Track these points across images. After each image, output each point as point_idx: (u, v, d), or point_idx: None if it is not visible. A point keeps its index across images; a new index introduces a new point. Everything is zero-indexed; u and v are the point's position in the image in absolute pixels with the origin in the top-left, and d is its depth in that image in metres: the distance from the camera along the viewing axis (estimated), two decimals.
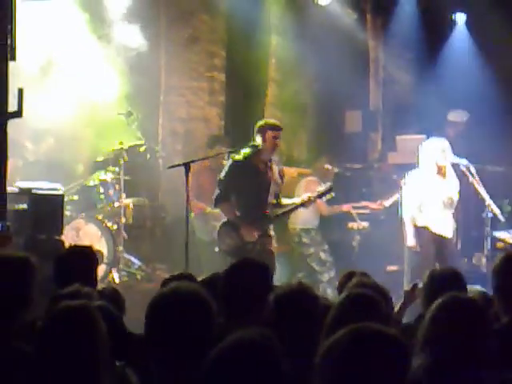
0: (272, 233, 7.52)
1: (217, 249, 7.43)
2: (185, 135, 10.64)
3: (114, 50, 9.76)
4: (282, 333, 3.21)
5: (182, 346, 2.62)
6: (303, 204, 7.53)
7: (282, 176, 7.58)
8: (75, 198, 8.87)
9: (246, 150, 7.38)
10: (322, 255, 8.89)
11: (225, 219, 7.42)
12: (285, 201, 7.62)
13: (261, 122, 7.48)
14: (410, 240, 7.74)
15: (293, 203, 7.61)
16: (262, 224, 7.36)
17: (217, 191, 7.39)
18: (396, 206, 8.31)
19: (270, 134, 7.30)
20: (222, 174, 7.40)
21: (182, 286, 2.81)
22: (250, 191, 7.28)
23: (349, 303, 3.40)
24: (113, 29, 9.66)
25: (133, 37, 9.66)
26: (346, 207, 9.15)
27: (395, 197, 8.62)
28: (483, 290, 4.71)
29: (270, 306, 3.33)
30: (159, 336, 2.67)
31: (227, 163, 7.46)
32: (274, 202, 7.52)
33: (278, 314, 3.29)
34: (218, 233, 7.39)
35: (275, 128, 7.41)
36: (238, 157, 7.36)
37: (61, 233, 7.17)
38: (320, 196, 7.68)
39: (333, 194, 7.78)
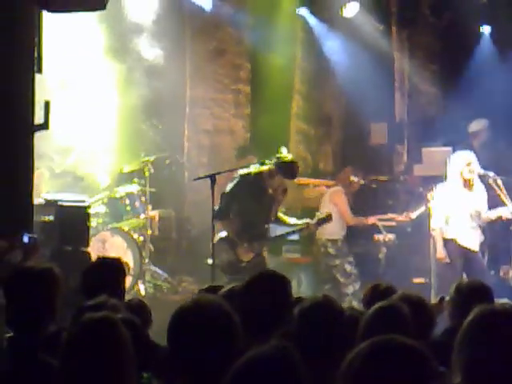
0: (265, 254, 7.55)
1: (209, 261, 7.36)
2: (210, 147, 10.67)
3: (140, 63, 9.82)
4: (307, 345, 3.21)
5: (204, 359, 2.60)
6: (302, 230, 7.62)
7: (284, 191, 7.58)
8: (101, 209, 8.92)
9: (258, 167, 7.39)
10: (348, 267, 8.85)
11: (223, 235, 7.40)
12: (283, 217, 7.65)
13: (279, 162, 7.43)
14: (440, 252, 7.64)
15: (293, 224, 7.64)
16: (260, 244, 7.38)
17: (218, 206, 7.38)
18: (422, 218, 8.26)
19: (280, 179, 7.33)
20: (227, 188, 7.42)
21: (204, 298, 2.79)
22: (252, 209, 7.30)
23: (376, 316, 3.38)
24: (138, 42, 9.71)
25: (158, 49, 9.71)
26: (371, 220, 9.11)
27: (421, 209, 8.57)
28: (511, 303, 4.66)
29: (295, 319, 3.31)
30: (181, 349, 2.64)
31: (235, 178, 7.48)
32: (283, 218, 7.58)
33: (303, 326, 3.28)
34: (215, 246, 7.35)
35: (288, 176, 7.40)
36: (247, 172, 7.38)
37: (87, 244, 7.21)
38: (319, 224, 7.80)
39: (331, 221, 7.87)
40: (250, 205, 7.28)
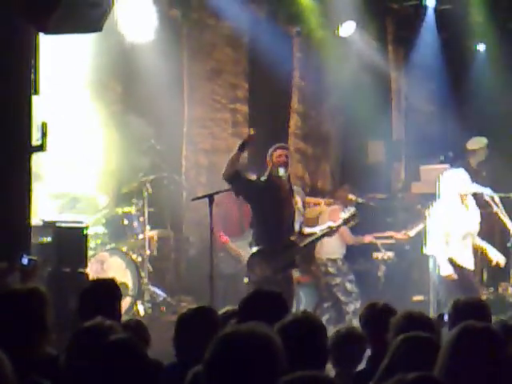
0: (297, 263, 7.50)
1: (246, 279, 7.35)
2: (208, 167, 10.67)
3: (137, 83, 9.85)
4: (287, 361, 3.20)
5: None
6: (327, 233, 7.53)
7: (304, 206, 7.58)
8: (100, 230, 8.91)
9: (264, 177, 7.41)
10: (348, 285, 8.84)
11: (254, 249, 7.34)
12: (307, 230, 7.60)
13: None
14: (445, 269, 7.55)
15: (316, 232, 7.58)
16: (290, 253, 7.32)
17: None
18: (420, 235, 8.25)
19: (274, 155, 7.35)
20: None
21: (253, 328, 2.64)
22: (274, 217, 7.23)
23: (406, 346, 3.34)
24: (136, 62, 9.74)
25: (155, 69, 9.74)
26: (367, 239, 9.12)
27: (420, 227, 8.57)
28: (503, 318, 4.68)
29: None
30: (223, 377, 2.52)
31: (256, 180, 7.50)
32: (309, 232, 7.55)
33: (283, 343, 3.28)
34: (248, 263, 7.30)
35: (278, 147, 7.46)
36: (261, 179, 7.40)
37: (85, 266, 7.20)
38: (345, 223, 7.67)
39: (357, 219, 7.76)
40: (270, 214, 7.24)
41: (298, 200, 7.46)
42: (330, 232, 7.59)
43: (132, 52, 9.69)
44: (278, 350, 2.58)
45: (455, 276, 7.54)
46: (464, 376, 2.77)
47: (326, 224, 7.71)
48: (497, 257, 7.79)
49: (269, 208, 7.21)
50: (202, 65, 10.58)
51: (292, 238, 7.32)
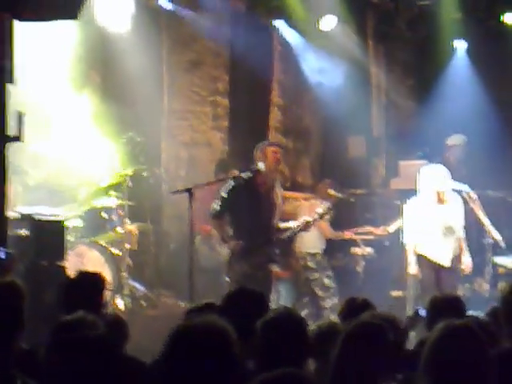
0: (276, 258, 7.52)
1: (227, 278, 7.39)
2: (188, 160, 10.64)
3: (116, 74, 9.79)
4: (271, 357, 3.22)
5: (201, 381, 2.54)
6: (303, 228, 7.59)
7: (283, 200, 7.60)
8: (78, 223, 8.86)
9: (248, 173, 7.39)
10: (326, 281, 8.85)
11: (232, 247, 7.38)
12: (282, 225, 7.63)
13: (259, 144, 7.53)
14: (412, 267, 7.72)
15: (291, 227, 7.63)
16: (268, 249, 7.35)
17: (215, 205, 7.39)
18: (399, 231, 8.29)
19: (269, 150, 7.36)
20: (224, 191, 7.41)
21: (208, 320, 2.69)
22: (251, 214, 7.26)
23: (356, 332, 3.39)
24: (114, 52, 9.67)
25: (134, 60, 9.68)
26: (347, 234, 9.14)
27: (398, 222, 8.60)
28: (476, 314, 4.75)
29: (257, 332, 3.32)
30: (179, 370, 2.55)
31: (230, 182, 7.47)
32: (285, 226, 7.56)
33: (266, 339, 3.29)
34: (228, 261, 7.36)
35: (273, 144, 7.50)
36: (241, 177, 7.37)
37: (63, 259, 7.16)
38: (320, 217, 7.77)
39: (331, 213, 7.87)
40: (249, 208, 7.27)
41: (279, 193, 7.48)
42: (306, 226, 7.67)
43: (111, 42, 9.63)
44: (233, 341, 2.60)
45: (420, 275, 7.62)
46: (446, 373, 2.84)
47: (301, 218, 7.75)
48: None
49: (248, 206, 7.24)
50: (181, 56, 10.54)
51: (270, 234, 7.35)
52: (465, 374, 2.84)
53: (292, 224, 7.72)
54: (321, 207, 7.89)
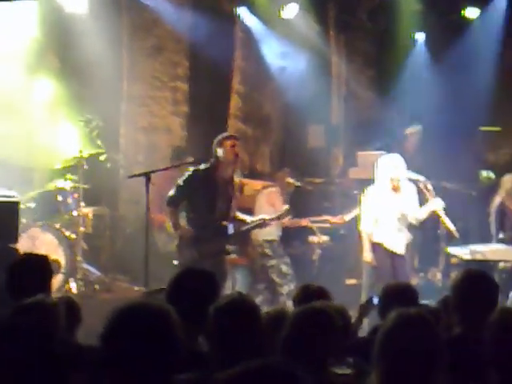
0: (230, 250, 7.55)
1: (175, 262, 7.39)
2: (147, 145, 10.58)
3: (75, 57, 9.69)
4: (224, 343, 3.21)
5: (141, 364, 2.52)
6: (259, 225, 7.66)
7: (241, 190, 7.60)
8: (32, 205, 8.75)
9: (206, 165, 7.36)
10: (283, 268, 8.87)
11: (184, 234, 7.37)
12: (240, 216, 7.65)
13: (218, 136, 7.47)
14: (367, 255, 7.80)
15: (247, 221, 7.66)
16: (222, 240, 7.36)
17: (171, 192, 7.37)
18: (356, 220, 8.35)
19: (227, 143, 7.31)
20: (181, 180, 7.38)
21: (145, 302, 2.71)
22: (207, 205, 7.26)
23: (303, 317, 3.42)
24: (73, 35, 9.56)
25: (94, 44, 9.58)
26: (305, 222, 9.17)
27: (355, 212, 8.65)
28: (429, 303, 4.83)
29: (210, 317, 3.31)
30: (118, 353, 2.55)
31: (188, 172, 7.44)
32: (241, 217, 7.57)
33: (218, 324, 3.29)
34: (178, 246, 7.35)
35: (231, 137, 7.45)
36: (199, 168, 7.35)
37: (16, 241, 7.06)
38: (278, 218, 7.92)
39: (290, 216, 8.05)
40: (205, 199, 7.25)
41: (237, 185, 7.49)
42: (262, 224, 7.72)
43: (70, 24, 9.52)
44: (173, 322, 2.60)
45: (374, 263, 7.70)
46: (399, 361, 2.89)
47: (259, 216, 7.79)
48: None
49: (204, 197, 7.23)
50: (142, 41, 10.47)
51: (223, 225, 7.36)
52: (417, 362, 2.89)
53: (249, 219, 7.76)
54: (281, 209, 8.00)
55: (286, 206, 8.10)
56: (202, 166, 7.37)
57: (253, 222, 7.72)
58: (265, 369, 2.11)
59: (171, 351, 2.55)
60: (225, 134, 7.59)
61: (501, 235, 8.32)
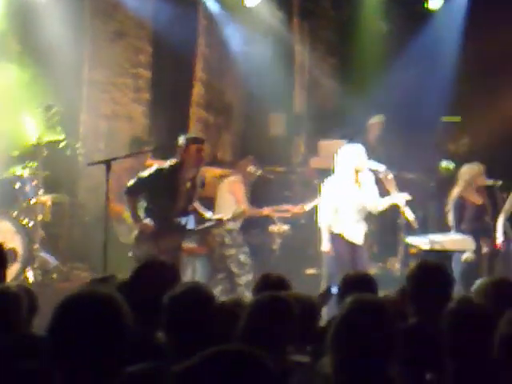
0: (184, 246, 7.54)
1: (130, 253, 7.34)
2: (108, 133, 10.47)
3: (36, 42, 9.55)
4: (178, 332, 3.19)
5: (90, 353, 2.49)
6: (216, 225, 7.68)
7: (203, 184, 7.56)
8: None
9: (171, 162, 7.30)
10: (242, 257, 8.86)
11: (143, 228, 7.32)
12: (200, 211, 7.65)
13: (181, 138, 7.35)
14: (325, 245, 7.80)
15: (206, 216, 7.66)
16: (180, 236, 7.35)
17: (132, 182, 7.31)
18: (316, 210, 8.34)
19: (193, 148, 7.23)
20: (144, 174, 7.32)
21: (93, 290, 2.70)
22: (168, 202, 7.22)
23: (262, 306, 3.42)
24: (34, 20, 9.43)
25: (55, 29, 9.45)
26: (266, 211, 9.15)
27: (316, 201, 8.65)
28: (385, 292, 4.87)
29: (164, 307, 3.29)
30: (66, 343, 2.52)
31: (153, 167, 7.38)
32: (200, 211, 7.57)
33: (172, 314, 3.27)
34: (136, 238, 7.30)
35: (197, 141, 7.34)
36: (164, 167, 7.29)
37: None
38: (234, 218, 8.05)
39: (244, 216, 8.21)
40: (165, 196, 7.21)
41: (199, 181, 7.47)
42: (220, 223, 7.75)
43: (32, 9, 9.39)
44: (121, 311, 2.57)
45: (332, 253, 7.72)
46: (352, 345, 2.92)
47: (216, 215, 7.88)
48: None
49: (165, 195, 7.21)
50: (104, 27, 10.34)
51: (181, 222, 7.35)
52: (371, 348, 2.91)
53: (207, 214, 7.76)
54: (238, 210, 8.09)
55: (243, 207, 8.15)
56: (167, 165, 7.30)
57: (210, 220, 7.71)
58: (226, 354, 2.09)
59: (119, 340, 2.52)
60: (191, 137, 7.45)
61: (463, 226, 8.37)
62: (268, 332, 3.35)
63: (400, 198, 7.86)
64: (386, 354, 2.93)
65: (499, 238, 8.35)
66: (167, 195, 7.22)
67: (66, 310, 2.56)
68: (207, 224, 7.74)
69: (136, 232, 7.35)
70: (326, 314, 5.69)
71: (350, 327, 2.94)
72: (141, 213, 7.38)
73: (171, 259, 6.96)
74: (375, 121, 10.38)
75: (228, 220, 7.92)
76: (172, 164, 7.27)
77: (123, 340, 2.53)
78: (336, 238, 7.77)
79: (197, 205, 7.66)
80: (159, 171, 7.25)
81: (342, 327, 2.97)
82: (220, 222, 7.81)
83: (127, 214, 8.68)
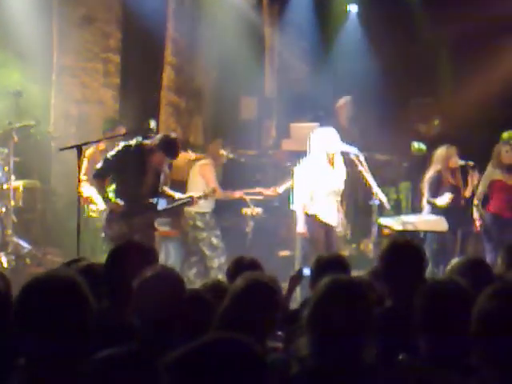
0: (156, 225, 7.55)
1: (103, 234, 7.36)
2: (78, 117, 10.42)
3: (2, 27, 9.46)
4: (147, 316, 3.18)
5: (53, 334, 2.51)
6: (187, 203, 7.67)
7: (170, 165, 7.57)
8: None
9: (139, 139, 7.31)
10: (214, 240, 8.89)
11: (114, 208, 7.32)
12: (169, 192, 7.65)
13: (152, 121, 7.35)
14: (300, 227, 7.84)
15: (175, 197, 7.67)
16: (151, 216, 7.36)
17: (99, 165, 7.33)
18: (288, 192, 8.39)
19: (161, 155, 7.24)
20: (110, 154, 7.34)
21: (54, 272, 2.72)
22: (135, 180, 7.22)
23: (246, 291, 3.43)
24: (1, 2, 9.33)
25: (22, 14, 9.36)
26: (238, 194, 9.18)
27: (288, 183, 8.70)
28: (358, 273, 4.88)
29: (135, 291, 3.28)
30: (29, 325, 2.54)
31: (119, 146, 7.39)
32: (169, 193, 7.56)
33: (141, 298, 3.25)
34: (107, 219, 7.31)
35: (170, 155, 7.32)
36: (131, 143, 7.30)
37: None
38: (205, 197, 8.01)
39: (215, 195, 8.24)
40: (133, 174, 7.21)
41: (166, 160, 7.44)
42: (191, 202, 7.74)
43: None
44: (82, 293, 2.59)
45: (308, 235, 7.77)
46: (329, 325, 2.93)
47: (187, 194, 7.87)
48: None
49: (132, 173, 7.21)
50: (72, 10, 10.25)
51: (152, 201, 7.36)
52: (347, 327, 2.92)
53: (177, 195, 7.77)
54: (207, 189, 8.12)
55: (213, 186, 8.18)
56: (134, 142, 7.31)
57: (181, 199, 7.72)
58: (221, 343, 2.07)
59: (81, 322, 2.53)
60: (171, 151, 7.35)
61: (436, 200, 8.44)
62: (250, 318, 3.35)
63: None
64: (362, 334, 2.95)
65: (476, 219, 8.48)
66: (135, 171, 7.22)
67: (27, 292, 2.58)
68: (179, 201, 7.74)
69: (106, 213, 7.36)
70: (299, 295, 5.76)
71: (326, 308, 2.95)
72: (111, 196, 7.39)
73: (144, 238, 7.01)
74: (342, 102, 10.43)
75: (199, 198, 7.90)
76: (140, 142, 7.29)
77: (85, 323, 2.54)
78: (310, 220, 7.82)
79: (167, 188, 7.68)
80: (127, 148, 7.26)
81: (319, 308, 2.98)
82: (191, 199, 7.79)
83: (94, 199, 8.69)
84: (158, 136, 7.39)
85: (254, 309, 3.39)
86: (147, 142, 7.33)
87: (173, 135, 7.59)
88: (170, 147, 7.28)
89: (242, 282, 3.51)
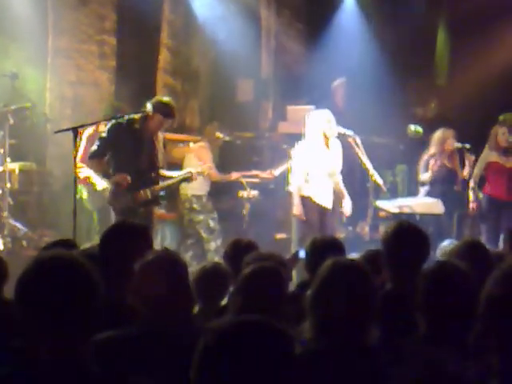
0: (162, 200, 7.51)
1: (111, 208, 7.27)
2: (74, 100, 10.38)
3: None
4: (149, 300, 3.18)
5: (59, 317, 2.46)
6: (186, 179, 7.61)
7: (164, 144, 7.52)
8: None
9: (133, 116, 7.27)
10: (211, 223, 8.90)
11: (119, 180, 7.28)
12: (166, 173, 7.61)
13: (148, 105, 7.27)
14: (296, 209, 7.84)
15: (174, 176, 7.61)
16: (150, 191, 7.32)
17: (94, 147, 7.29)
18: (285, 175, 8.39)
19: (159, 118, 7.17)
20: (104, 132, 7.30)
21: (60, 254, 2.67)
22: (130, 158, 7.18)
23: (254, 276, 3.43)
24: None
25: None
26: (235, 176, 9.18)
27: (284, 166, 8.70)
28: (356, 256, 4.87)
29: (135, 274, 3.26)
30: (33, 308, 2.49)
31: (110, 123, 7.34)
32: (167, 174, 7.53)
33: (143, 280, 3.24)
34: (113, 193, 7.23)
35: (168, 115, 7.25)
36: (122, 120, 7.25)
37: None
38: (201, 173, 7.97)
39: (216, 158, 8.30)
40: (130, 151, 7.17)
41: (161, 138, 7.40)
42: (190, 177, 7.68)
43: None
44: (91, 273, 2.55)
45: (303, 217, 7.77)
46: (334, 307, 2.95)
47: (186, 170, 7.81)
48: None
49: (127, 150, 7.15)
50: None
51: (153, 176, 7.32)
52: (352, 308, 2.94)
53: (175, 173, 7.72)
54: (204, 165, 8.09)
55: (208, 164, 8.15)
56: (126, 118, 7.27)
57: (179, 175, 7.66)
58: (256, 324, 2.04)
59: (90, 305, 2.50)
60: (168, 110, 7.32)
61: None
62: (261, 304, 3.34)
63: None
64: (365, 317, 2.97)
65: (472, 202, 8.50)
66: (131, 146, 7.17)
67: (32, 275, 2.52)
68: (178, 177, 7.66)
69: (111, 187, 7.29)
70: (295, 277, 5.77)
71: (329, 290, 2.96)
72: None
73: (144, 214, 7.02)
74: (338, 83, 10.41)
75: (198, 173, 7.80)
76: (131, 117, 7.25)
77: (94, 305, 2.51)
78: (306, 202, 7.83)
79: (163, 171, 7.64)
80: (118, 124, 7.22)
81: (321, 291, 2.99)
82: (190, 174, 7.70)
83: (93, 180, 8.65)
84: (150, 102, 7.28)
85: (264, 295, 3.39)
86: (138, 114, 7.27)
87: (165, 98, 7.52)
88: (166, 107, 7.23)
89: (251, 268, 3.52)
